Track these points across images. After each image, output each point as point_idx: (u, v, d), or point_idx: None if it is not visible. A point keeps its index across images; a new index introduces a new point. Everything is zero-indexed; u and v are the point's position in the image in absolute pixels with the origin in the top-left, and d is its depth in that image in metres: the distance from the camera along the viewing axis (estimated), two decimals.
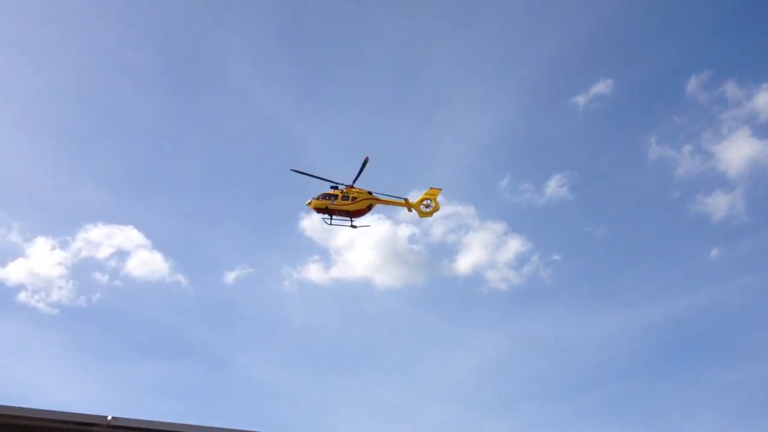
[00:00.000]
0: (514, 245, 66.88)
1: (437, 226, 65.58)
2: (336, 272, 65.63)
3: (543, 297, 67.76)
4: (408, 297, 68.87)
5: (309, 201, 32.19)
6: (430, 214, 31.49)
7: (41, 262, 69.66)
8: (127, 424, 13.38)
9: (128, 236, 65.86)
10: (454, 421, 59.95)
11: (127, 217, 76.28)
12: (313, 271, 65.80)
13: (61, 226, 72.22)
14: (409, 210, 31.61)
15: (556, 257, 67.52)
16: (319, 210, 32.06)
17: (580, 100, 70.30)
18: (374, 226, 66.84)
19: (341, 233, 66.94)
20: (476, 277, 66.70)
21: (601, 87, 69.85)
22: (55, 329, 68.14)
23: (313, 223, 65.41)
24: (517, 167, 74.10)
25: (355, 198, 31.25)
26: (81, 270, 66.21)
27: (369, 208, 31.55)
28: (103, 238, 66.15)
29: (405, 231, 66.82)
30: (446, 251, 68.67)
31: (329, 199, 31.58)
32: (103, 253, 66.15)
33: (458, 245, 67.37)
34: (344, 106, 76.40)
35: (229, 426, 14.48)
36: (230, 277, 65.97)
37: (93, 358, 66.67)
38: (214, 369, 63.79)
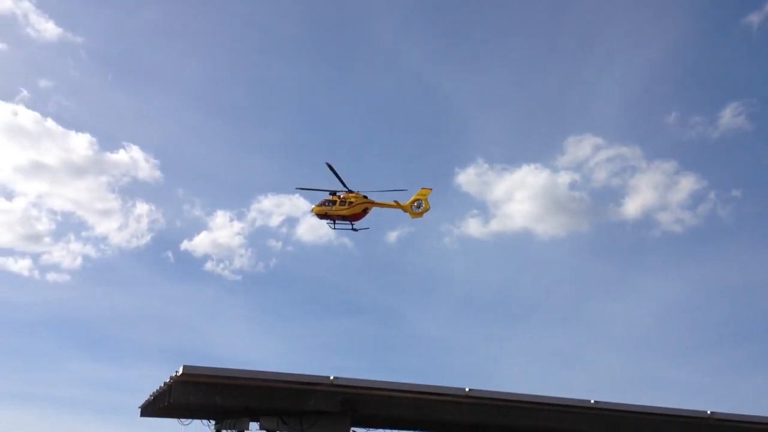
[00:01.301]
0: (687, 184, 62.27)
1: (600, 170, 62.28)
2: (495, 225, 64.36)
3: (724, 236, 62.81)
4: (573, 246, 66.35)
5: (312, 208, 33.38)
6: (420, 214, 32.26)
7: (222, 233, 74.67)
8: (347, 383, 13.35)
9: (295, 204, 68.62)
10: (631, 369, 57.50)
11: (293, 186, 79.41)
12: (473, 226, 64.94)
13: (237, 198, 76.52)
14: (404, 211, 32.31)
15: (735, 193, 62.21)
16: (320, 216, 33.19)
17: (754, 19, 63.27)
18: (530, 175, 64.85)
19: (499, 186, 65.34)
20: (646, 221, 62.97)
21: None
22: (240, 294, 72.95)
23: (469, 177, 64.37)
24: (686, 99, 68.53)
25: (351, 203, 32.28)
26: (257, 238, 70.13)
27: (365, 212, 32.50)
28: (274, 207, 69.36)
29: (565, 178, 64.01)
30: (611, 196, 65.19)
31: (328, 205, 32.82)
32: (274, 221, 69.52)
33: (624, 188, 63.62)
34: (491, 58, 73.71)
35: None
36: (392, 236, 66.80)
37: (274, 318, 70.68)
38: (386, 325, 65.31)
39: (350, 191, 32.71)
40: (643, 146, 64.38)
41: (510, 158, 70.40)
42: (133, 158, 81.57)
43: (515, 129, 72.56)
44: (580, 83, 69.26)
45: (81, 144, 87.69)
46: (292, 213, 70.45)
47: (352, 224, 33.03)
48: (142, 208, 79.43)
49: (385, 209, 33.52)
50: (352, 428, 15.22)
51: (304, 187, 33.35)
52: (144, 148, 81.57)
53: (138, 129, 78.46)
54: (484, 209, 65.88)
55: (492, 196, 64.16)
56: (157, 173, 79.65)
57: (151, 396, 19.76)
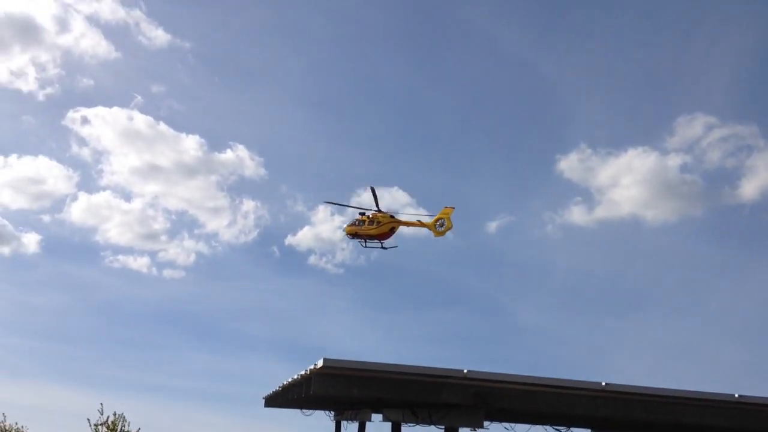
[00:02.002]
0: None
1: (713, 150, 59.28)
2: (601, 212, 62.49)
3: None
4: (685, 231, 63.50)
5: (344, 227, 34.84)
6: (443, 233, 33.37)
7: (324, 227, 76.51)
8: (480, 377, 13.33)
9: (395, 197, 69.24)
10: (752, 361, 54.45)
11: (392, 178, 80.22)
12: (576, 214, 63.31)
13: (337, 192, 78.44)
14: (429, 230, 33.42)
15: None
16: (352, 235, 34.61)
17: None
18: (638, 159, 62.40)
19: (604, 172, 63.33)
20: (766, 203, 59.38)
21: None
22: (342, 286, 74.58)
23: (571, 163, 62.76)
24: None
25: (380, 222, 33.68)
26: None
27: (392, 231, 33.90)
28: (372, 201, 70.42)
29: (675, 161, 61.28)
30: (726, 177, 61.98)
31: (359, 225, 34.37)
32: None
33: (740, 169, 60.26)
34: (592, 37, 71.51)
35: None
36: (492, 226, 66.10)
37: (376, 310, 71.73)
38: (488, 316, 64.83)
39: (379, 211, 34.01)
40: (760, 124, 60.83)
41: (615, 142, 68.11)
42: (239, 157, 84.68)
43: (620, 111, 70.14)
44: (690, 59, 65.94)
45: (191, 145, 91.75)
46: (391, 206, 71.17)
47: (381, 243, 34.35)
48: (248, 205, 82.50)
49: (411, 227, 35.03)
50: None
51: (332, 202, 35.85)
52: (249, 146, 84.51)
53: (243, 128, 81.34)
54: (587, 196, 64.12)
55: (596, 182, 62.32)
56: (262, 171, 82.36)
57: (279, 387, 20.48)
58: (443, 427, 14.97)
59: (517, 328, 62.38)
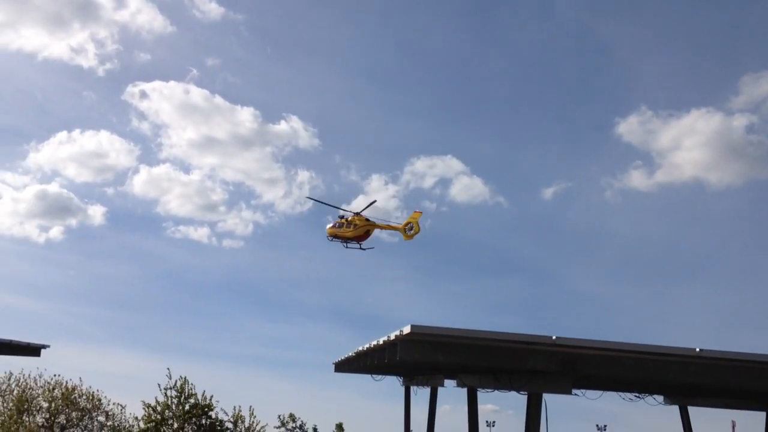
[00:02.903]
0: None
1: None
2: (661, 176, 60.82)
3: None
4: (751, 195, 61.48)
5: (327, 228, 36.96)
6: (412, 237, 35.07)
7: (378, 196, 76.68)
8: (569, 343, 13.06)
9: (448, 165, 68.58)
10: None
11: (445, 146, 79.50)
12: (636, 178, 61.71)
13: (389, 161, 78.10)
14: (400, 232, 35.42)
15: None
16: (333, 237, 36.60)
17: None
18: (701, 120, 60.02)
19: (665, 134, 61.39)
20: None
21: None
22: (398, 256, 74.75)
23: (631, 126, 61.03)
24: None
25: (356, 225, 35.72)
26: (412, 200, 71.22)
27: (367, 234, 35.85)
28: (427, 169, 69.89)
29: (740, 121, 59.02)
30: None
31: (338, 227, 36.40)
32: (428, 182, 70.03)
33: None
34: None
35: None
36: (548, 193, 65.05)
37: (430, 278, 71.75)
38: (543, 284, 64.15)
39: (357, 214, 36.23)
40: None
41: (677, 103, 65.90)
42: (293, 128, 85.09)
43: (682, 71, 67.68)
44: (754, 15, 63.08)
45: (246, 117, 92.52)
46: (445, 174, 70.48)
47: (360, 244, 36.47)
48: (303, 175, 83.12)
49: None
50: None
51: (314, 199, 38.12)
52: (302, 117, 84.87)
53: (296, 99, 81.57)
54: (648, 160, 62.33)
55: (657, 145, 60.55)
56: (316, 141, 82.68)
57: (353, 353, 20.60)
58: (526, 393, 14.81)
59: (574, 296, 61.70)
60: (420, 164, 69.47)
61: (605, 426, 75.76)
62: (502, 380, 15.53)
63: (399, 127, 76.84)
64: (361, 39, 78.21)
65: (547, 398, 14.58)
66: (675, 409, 22.62)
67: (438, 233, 69.34)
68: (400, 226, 35.80)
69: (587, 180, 66.62)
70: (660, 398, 21.04)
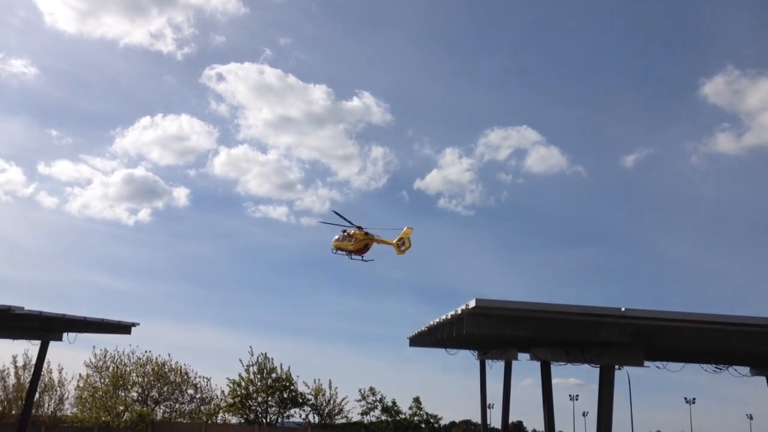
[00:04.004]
0: None
1: None
2: (751, 139, 58.28)
3: None
4: None
5: (332, 242, 38.95)
6: (403, 252, 36.89)
7: (452, 170, 76.25)
8: (639, 315, 12.84)
9: (524, 135, 67.45)
10: None
11: (520, 116, 78.16)
12: (723, 142, 59.14)
13: (463, 134, 77.58)
14: (394, 247, 37.15)
15: None
16: (337, 249, 38.64)
17: None
18: None
19: (754, 94, 58.32)
20: None
21: None
22: (473, 228, 74.39)
23: (716, 87, 58.33)
24: None
25: (357, 239, 37.71)
26: (486, 173, 70.53)
27: (366, 247, 37.82)
28: (501, 141, 69.21)
29: None
30: None
31: (341, 240, 38.33)
32: (502, 154, 69.22)
33: None
34: None
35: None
36: (629, 160, 63.12)
37: (508, 251, 71.19)
38: (627, 252, 62.54)
39: (359, 228, 38.42)
40: None
41: (766, 61, 62.30)
42: (365, 104, 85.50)
43: None
44: None
45: (319, 95, 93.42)
46: (520, 145, 69.36)
47: (362, 257, 38.64)
48: (377, 151, 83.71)
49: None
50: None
51: (326, 222, 39.79)
52: (375, 93, 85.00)
53: (368, 75, 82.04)
54: (735, 122, 59.78)
55: (745, 106, 57.92)
56: (389, 116, 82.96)
57: (425, 327, 20.84)
58: (598, 365, 14.67)
59: (660, 263, 60.03)
60: (494, 136, 69.05)
61: (693, 399, 73.80)
62: (574, 353, 15.43)
63: (472, 98, 76.32)
64: (431, 10, 77.77)
65: (631, 372, 14.44)
66: (762, 381, 21.83)
67: (514, 205, 68.82)
68: (394, 241, 38.20)
69: (671, 145, 64.48)
70: (745, 369, 20.36)
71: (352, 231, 38.91)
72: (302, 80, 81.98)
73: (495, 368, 25.87)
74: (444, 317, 15.94)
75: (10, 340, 15.94)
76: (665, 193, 64.60)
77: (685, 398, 73.21)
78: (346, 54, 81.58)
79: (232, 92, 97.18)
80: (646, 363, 15.30)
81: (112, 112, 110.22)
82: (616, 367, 14.64)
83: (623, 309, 12.70)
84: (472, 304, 12.41)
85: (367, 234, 38.59)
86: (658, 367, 18.07)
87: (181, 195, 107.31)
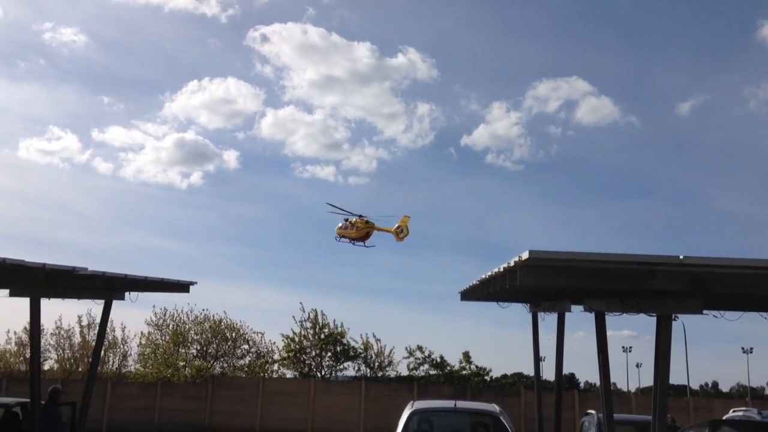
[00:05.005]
0: None
1: None
2: None
3: None
4: None
5: (336, 229, 40.31)
6: (402, 239, 38.81)
7: (500, 124, 75.11)
8: (698, 262, 12.58)
9: (574, 86, 65.80)
10: None
11: (570, 68, 76.21)
12: None
13: (510, 87, 76.03)
14: (393, 234, 38.89)
15: None
16: (340, 236, 40.22)
17: None
18: None
19: None
20: None
21: None
22: (522, 184, 73.46)
23: None
24: None
25: (358, 227, 39.50)
26: (535, 126, 69.11)
27: (368, 235, 39.74)
28: (550, 92, 67.81)
29: None
30: None
31: (344, 228, 40.09)
32: (551, 106, 67.78)
33: None
34: None
35: None
36: (683, 108, 61.14)
37: (560, 205, 70.29)
38: (680, 204, 61.04)
39: (360, 217, 40.00)
40: None
41: None
42: (410, 60, 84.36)
43: None
44: None
45: (363, 53, 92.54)
46: (571, 96, 67.75)
47: (364, 243, 40.30)
48: (423, 108, 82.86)
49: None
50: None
51: (333, 204, 40.49)
52: (419, 48, 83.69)
53: (412, 30, 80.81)
54: None
55: None
56: (434, 72, 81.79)
57: (477, 281, 20.86)
58: (654, 315, 14.49)
59: (717, 215, 58.45)
60: (543, 88, 67.72)
61: (751, 348, 72.63)
62: (629, 303, 15.25)
63: (519, 50, 74.66)
64: None
65: (686, 323, 14.24)
66: None
67: (564, 159, 67.65)
68: (393, 229, 39.82)
69: (728, 91, 62.17)
70: None
71: (353, 220, 40.77)
72: (346, 38, 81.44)
73: (547, 321, 25.85)
74: (496, 270, 15.89)
75: (75, 300, 16.52)
76: (722, 141, 62.55)
77: (743, 348, 72.11)
78: (389, 10, 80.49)
79: (276, 53, 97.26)
80: (704, 312, 15.02)
81: (161, 78, 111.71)
82: (673, 317, 14.45)
83: (681, 257, 12.45)
84: (525, 255, 12.33)
85: (367, 222, 40.51)
86: (716, 317, 17.75)
87: (231, 158, 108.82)
